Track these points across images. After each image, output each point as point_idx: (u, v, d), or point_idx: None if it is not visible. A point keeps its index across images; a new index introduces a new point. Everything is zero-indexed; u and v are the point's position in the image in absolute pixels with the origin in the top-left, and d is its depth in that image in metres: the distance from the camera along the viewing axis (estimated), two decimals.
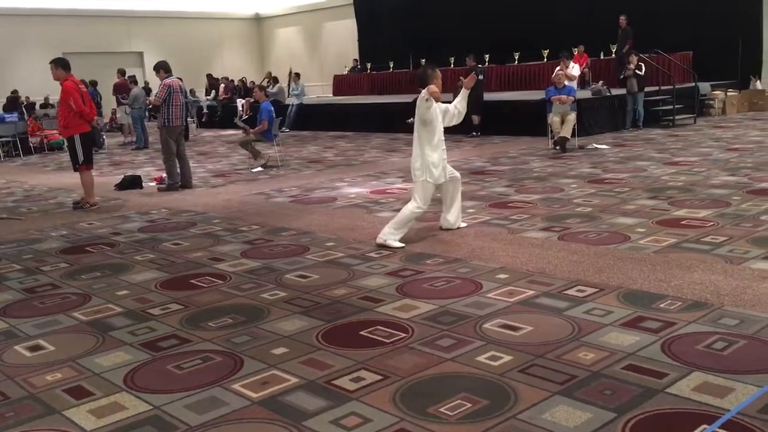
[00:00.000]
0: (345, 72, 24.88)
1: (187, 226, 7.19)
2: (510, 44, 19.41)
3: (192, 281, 5.14)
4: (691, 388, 3.03)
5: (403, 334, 3.85)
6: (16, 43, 25.54)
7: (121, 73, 18.24)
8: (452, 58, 19.69)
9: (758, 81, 17.43)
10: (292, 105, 19.65)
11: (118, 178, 10.43)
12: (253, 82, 23.07)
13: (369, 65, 23.86)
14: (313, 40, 30.60)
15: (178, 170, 9.77)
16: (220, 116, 21.74)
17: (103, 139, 16.90)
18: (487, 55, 19.71)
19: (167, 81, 9.69)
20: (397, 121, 15.58)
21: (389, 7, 23.96)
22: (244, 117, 17.69)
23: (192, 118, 19.53)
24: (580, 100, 12.59)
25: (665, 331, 3.68)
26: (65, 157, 12.32)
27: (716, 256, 5.00)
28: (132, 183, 10.09)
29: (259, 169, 11.31)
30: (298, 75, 21.29)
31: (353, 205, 7.80)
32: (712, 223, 5.93)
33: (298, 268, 5.31)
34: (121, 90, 17.57)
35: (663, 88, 15.01)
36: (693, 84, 15.82)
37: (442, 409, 2.97)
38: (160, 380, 3.44)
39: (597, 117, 14.00)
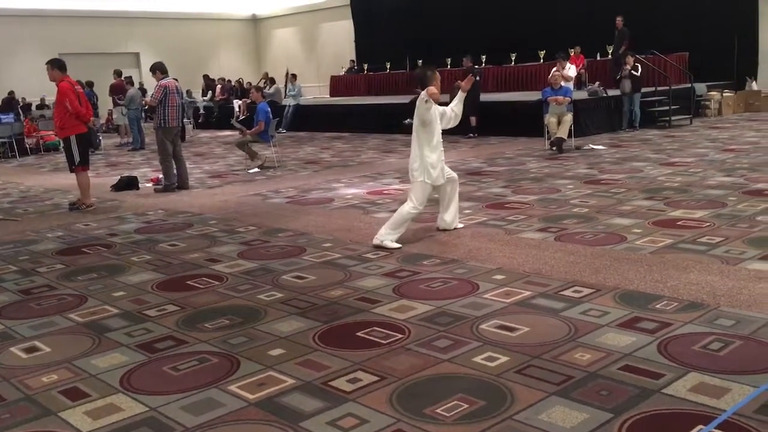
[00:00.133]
0: (342, 73, 24.89)
1: (184, 227, 7.18)
2: (507, 45, 19.44)
3: (188, 282, 5.13)
4: (688, 389, 3.04)
5: (400, 335, 3.85)
6: (13, 43, 25.49)
7: (118, 74, 18.22)
8: (449, 59, 19.73)
9: (754, 82, 17.48)
10: (289, 106, 19.63)
11: (115, 179, 10.41)
12: (250, 83, 23.03)
13: (366, 66, 23.88)
14: (309, 41, 30.60)
15: (175, 171, 9.75)
16: (216, 117, 21.71)
17: (100, 140, 16.86)
18: (484, 56, 19.74)
19: (163, 82, 9.69)
20: (394, 122, 15.59)
21: (386, 8, 23.98)
22: (241, 118, 17.66)
23: (188, 119, 19.49)
24: (576, 101, 12.59)
25: (661, 332, 3.68)
26: (61, 158, 12.29)
27: (712, 256, 5.00)
28: (128, 184, 10.07)
29: (256, 170, 11.30)
30: (294, 76, 21.24)
31: (350, 206, 7.79)
32: (708, 224, 5.94)
33: (294, 269, 5.30)
34: (118, 91, 17.55)
35: (659, 88, 15.03)
36: (689, 85, 15.85)
37: (438, 410, 2.97)
38: (156, 382, 3.43)
39: (593, 118, 14.01)
